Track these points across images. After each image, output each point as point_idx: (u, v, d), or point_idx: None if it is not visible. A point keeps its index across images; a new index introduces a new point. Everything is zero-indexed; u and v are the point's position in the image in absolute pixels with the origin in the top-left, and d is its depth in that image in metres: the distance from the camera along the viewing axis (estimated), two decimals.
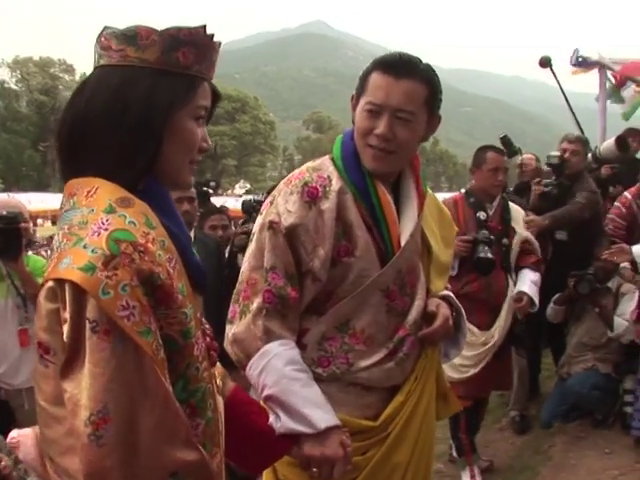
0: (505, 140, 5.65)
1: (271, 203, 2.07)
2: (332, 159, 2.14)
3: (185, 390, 1.32)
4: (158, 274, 1.24)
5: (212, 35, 1.41)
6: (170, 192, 1.47)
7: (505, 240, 4.27)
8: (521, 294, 4.28)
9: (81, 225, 1.24)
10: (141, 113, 1.33)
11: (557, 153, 5.28)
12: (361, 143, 2.07)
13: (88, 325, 1.16)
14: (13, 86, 64.77)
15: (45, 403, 1.29)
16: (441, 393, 2.32)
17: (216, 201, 7.04)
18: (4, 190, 36.82)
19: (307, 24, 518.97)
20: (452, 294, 2.36)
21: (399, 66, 2.00)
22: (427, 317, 2.17)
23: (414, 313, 2.14)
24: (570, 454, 4.58)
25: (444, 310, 2.18)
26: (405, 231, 2.10)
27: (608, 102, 8.09)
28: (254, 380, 1.99)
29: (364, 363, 2.06)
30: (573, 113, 7.22)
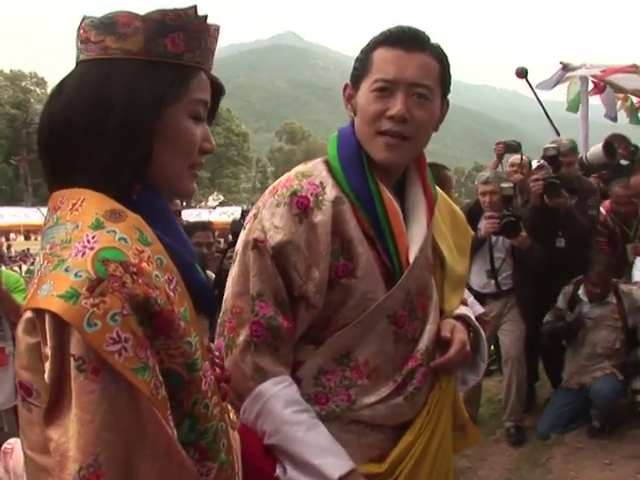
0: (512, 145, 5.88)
1: (255, 217, 1.76)
2: (326, 161, 1.83)
3: (193, 431, 1.14)
4: (155, 299, 1.05)
5: (205, 17, 1.23)
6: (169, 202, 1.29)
7: None
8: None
9: (64, 244, 1.07)
10: (122, 113, 1.15)
11: (554, 145, 5.20)
12: (369, 132, 1.75)
13: (73, 363, 0.98)
14: None
15: (31, 452, 1.09)
16: (459, 424, 2.04)
17: (189, 213, 6.92)
18: None
19: (278, 36, 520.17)
20: (469, 312, 2.05)
21: (408, 39, 1.73)
22: (441, 343, 1.88)
23: (426, 340, 1.84)
24: (570, 466, 4.49)
25: (460, 335, 1.89)
26: (414, 244, 1.81)
27: (590, 109, 8.13)
28: (250, 424, 1.70)
29: (368, 400, 1.76)
30: (552, 122, 7.20)
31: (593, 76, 8.06)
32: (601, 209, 5.40)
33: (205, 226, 4.97)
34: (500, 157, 6.27)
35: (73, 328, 0.98)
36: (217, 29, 1.27)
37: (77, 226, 1.09)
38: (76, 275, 1.01)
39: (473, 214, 4.84)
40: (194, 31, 1.21)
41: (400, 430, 1.83)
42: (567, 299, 5.03)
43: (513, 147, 6.04)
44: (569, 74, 8.11)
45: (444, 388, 1.91)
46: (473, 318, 2.03)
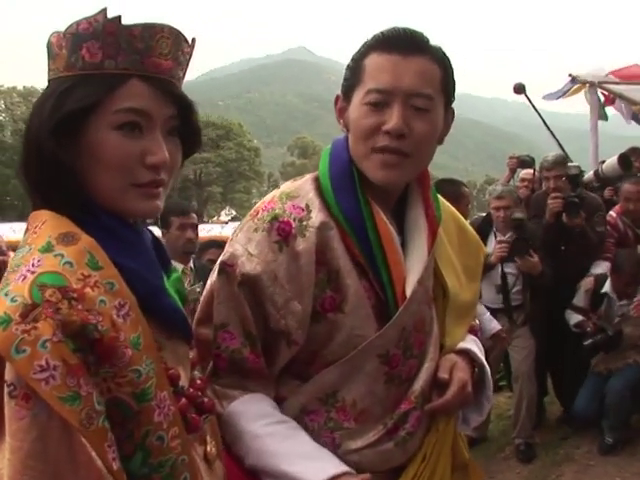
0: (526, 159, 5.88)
1: (231, 241, 1.59)
2: (316, 179, 1.65)
3: (146, 464, 1.08)
4: (95, 325, 1.01)
5: (117, 18, 1.12)
6: (135, 222, 1.22)
7: None
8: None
9: (14, 267, 1.06)
10: (33, 134, 1.13)
11: (576, 164, 5.22)
12: (364, 149, 1.56)
13: (6, 389, 0.95)
14: None
15: None
16: (459, 465, 1.83)
17: (201, 228, 6.92)
18: None
19: (289, 50, 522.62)
20: (475, 344, 1.84)
21: (404, 42, 1.52)
22: (439, 383, 1.68)
23: (421, 380, 1.66)
24: None
25: (460, 374, 1.68)
26: (412, 274, 1.61)
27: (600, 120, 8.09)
28: (232, 451, 1.53)
29: (354, 444, 1.58)
30: (552, 134, 7.15)
31: (602, 88, 8.03)
32: (612, 212, 5.39)
33: (220, 245, 5.02)
34: (513, 172, 6.25)
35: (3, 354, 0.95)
36: (143, 27, 1.14)
37: (30, 249, 1.08)
38: (12, 300, 0.99)
39: (483, 230, 4.81)
40: (108, 35, 1.12)
41: (391, 476, 1.64)
42: (590, 296, 4.98)
43: (527, 162, 6.04)
44: (577, 86, 8.07)
45: (442, 431, 1.73)
46: (479, 353, 1.82)
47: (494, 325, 4.41)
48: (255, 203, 1.68)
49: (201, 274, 3.94)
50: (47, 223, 1.12)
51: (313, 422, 1.58)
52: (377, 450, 1.60)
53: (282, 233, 1.52)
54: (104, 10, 1.12)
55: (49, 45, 1.17)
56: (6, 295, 1.00)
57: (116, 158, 1.12)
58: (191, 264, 4.33)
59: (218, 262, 1.57)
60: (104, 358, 1.02)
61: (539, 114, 7.06)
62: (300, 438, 1.52)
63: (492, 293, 4.96)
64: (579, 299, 5.02)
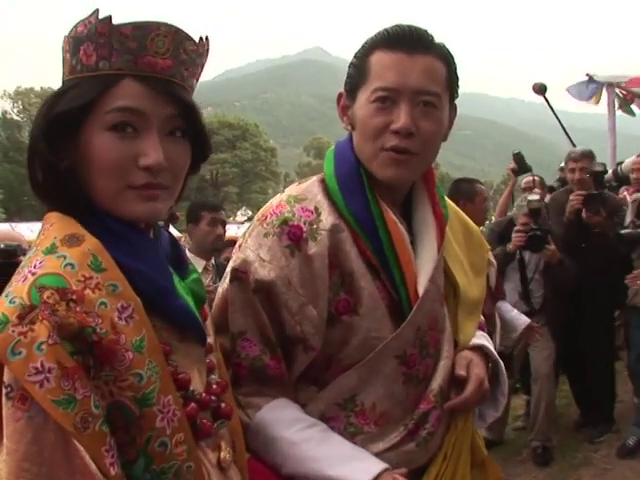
0: (519, 156, 5.72)
1: (239, 247, 1.58)
2: (322, 181, 1.63)
3: (148, 470, 1.06)
4: (93, 328, 1.00)
5: (108, 18, 1.10)
6: (148, 224, 1.20)
7: None
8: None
9: (20, 269, 1.07)
10: (31, 136, 1.14)
11: (601, 162, 5.15)
12: (372, 149, 1.55)
13: (4, 390, 0.95)
14: (15, 117, 64.97)
15: None
16: (477, 462, 1.82)
17: None
18: (6, 220, 36.73)
19: (305, 51, 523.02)
20: (486, 340, 1.84)
21: (410, 39, 1.51)
22: (456, 380, 1.69)
23: (439, 379, 1.66)
24: None
25: (477, 371, 1.68)
26: (423, 273, 1.61)
27: (618, 120, 8.03)
28: (264, 461, 1.52)
29: (376, 448, 1.56)
30: (567, 134, 7.10)
31: (620, 88, 7.97)
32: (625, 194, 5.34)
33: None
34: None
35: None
36: (135, 26, 1.11)
37: (35, 251, 1.08)
38: (11, 301, 0.98)
39: (507, 231, 4.79)
40: (100, 36, 1.10)
41: (413, 477, 1.61)
42: (636, 207, 4.82)
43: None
44: (595, 85, 8.02)
45: (461, 428, 1.72)
46: (492, 348, 1.83)
47: (524, 319, 4.40)
48: None
49: (221, 272, 3.99)
50: (55, 225, 1.11)
51: (333, 428, 1.56)
52: (399, 452, 1.59)
53: (293, 237, 1.51)
54: (96, 11, 1.10)
55: (61, 49, 1.17)
56: (6, 296, 1.00)
57: (110, 160, 1.10)
58: (212, 261, 4.35)
59: (229, 269, 1.56)
60: (104, 361, 1.01)
61: (555, 115, 7.03)
62: (335, 440, 1.52)
63: (514, 297, 4.92)
64: (629, 213, 4.84)
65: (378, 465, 1.46)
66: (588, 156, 5.13)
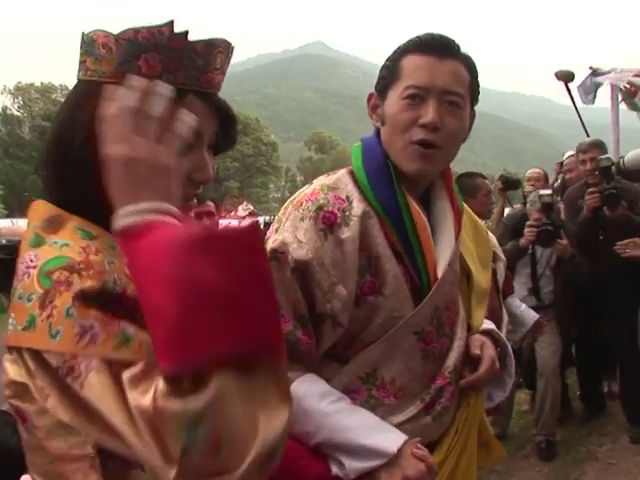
0: (503, 178, 5.93)
1: (276, 230, 1.69)
2: (351, 172, 1.77)
3: None
4: (114, 279, 1.01)
5: (184, 34, 1.09)
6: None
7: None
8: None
9: (18, 270, 1.05)
10: (80, 147, 1.10)
11: (608, 155, 5.07)
12: (401, 142, 1.69)
13: (60, 373, 0.95)
14: (15, 112, 65.10)
15: (40, 478, 1.08)
16: (483, 441, 1.98)
17: (220, 223, 7.01)
18: (7, 216, 36.75)
19: (306, 45, 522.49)
20: (493, 325, 2.00)
21: (440, 46, 1.68)
22: (469, 360, 1.84)
23: (453, 357, 1.79)
24: None
25: (490, 351, 1.84)
26: (442, 259, 1.75)
27: (621, 114, 7.98)
28: (292, 430, 1.57)
29: (395, 419, 1.68)
30: (586, 130, 7.06)
31: (626, 82, 7.91)
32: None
33: None
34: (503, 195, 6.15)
35: (43, 352, 0.96)
36: (206, 44, 1.12)
37: (23, 245, 1.07)
38: (28, 300, 0.98)
39: (520, 226, 4.78)
40: (171, 50, 1.08)
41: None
42: None
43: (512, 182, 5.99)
44: (599, 79, 7.96)
45: (472, 405, 1.87)
46: (500, 332, 1.98)
47: (533, 314, 4.40)
48: (273, 198, 1.69)
49: None
50: (30, 212, 1.12)
51: (355, 401, 1.67)
52: (416, 424, 1.71)
53: (327, 222, 1.64)
54: (171, 23, 1.09)
55: (90, 42, 1.12)
56: (20, 298, 1.00)
57: None
58: None
59: (267, 250, 1.63)
60: (134, 310, 0.98)
61: (576, 108, 6.99)
62: (363, 412, 1.64)
63: (523, 292, 4.90)
64: None
65: (402, 436, 1.60)
66: (597, 145, 5.10)
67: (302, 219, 1.64)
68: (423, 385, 1.74)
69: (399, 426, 1.67)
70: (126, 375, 0.92)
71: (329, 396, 1.63)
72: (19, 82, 69.09)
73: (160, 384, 0.87)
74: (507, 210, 5.98)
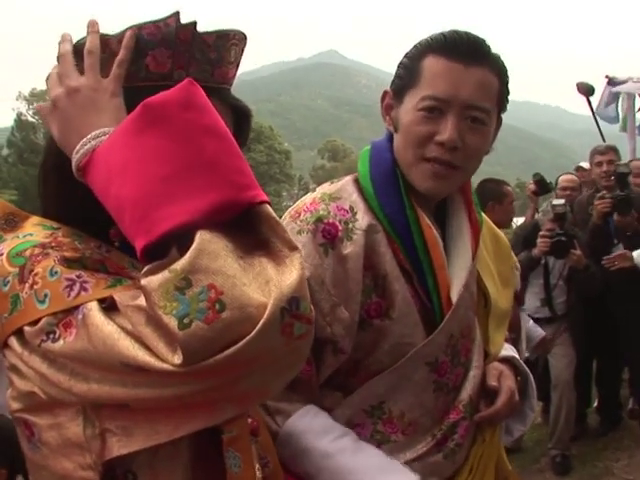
0: (538, 178, 5.64)
1: None
2: (356, 180, 1.59)
3: None
4: (87, 256, 0.97)
5: (193, 24, 1.01)
6: None
7: None
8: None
9: None
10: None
11: (625, 162, 5.03)
12: (414, 157, 1.50)
13: (51, 338, 0.89)
14: (30, 118, 65.36)
15: None
16: (502, 477, 1.79)
17: None
18: None
19: (320, 54, 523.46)
20: (514, 351, 1.81)
21: (467, 49, 1.45)
22: (486, 391, 1.66)
23: (469, 388, 1.62)
24: None
25: (508, 382, 1.66)
26: (457, 279, 1.57)
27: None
28: (295, 471, 1.47)
29: (402, 457, 1.52)
30: (603, 139, 6.99)
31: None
32: None
33: None
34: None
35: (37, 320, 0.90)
36: (218, 35, 1.04)
37: None
38: (4, 284, 0.94)
39: (532, 236, 4.70)
40: (182, 44, 1.01)
41: None
42: None
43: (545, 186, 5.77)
44: (616, 88, 7.89)
45: (488, 441, 1.68)
46: (520, 360, 1.80)
47: (540, 332, 4.35)
48: (286, 206, 1.60)
49: None
50: None
51: (359, 435, 1.52)
52: (426, 462, 1.55)
53: (328, 236, 1.47)
54: (177, 14, 1.00)
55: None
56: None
57: None
58: None
59: None
60: (121, 275, 0.96)
61: (596, 120, 6.93)
62: (368, 450, 1.48)
63: (536, 303, 4.83)
64: None
65: (411, 477, 1.44)
66: (613, 149, 5.07)
67: (299, 232, 1.47)
68: (435, 420, 1.58)
69: (407, 464, 1.51)
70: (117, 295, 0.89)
71: (331, 432, 1.47)
72: (34, 88, 69.45)
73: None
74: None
